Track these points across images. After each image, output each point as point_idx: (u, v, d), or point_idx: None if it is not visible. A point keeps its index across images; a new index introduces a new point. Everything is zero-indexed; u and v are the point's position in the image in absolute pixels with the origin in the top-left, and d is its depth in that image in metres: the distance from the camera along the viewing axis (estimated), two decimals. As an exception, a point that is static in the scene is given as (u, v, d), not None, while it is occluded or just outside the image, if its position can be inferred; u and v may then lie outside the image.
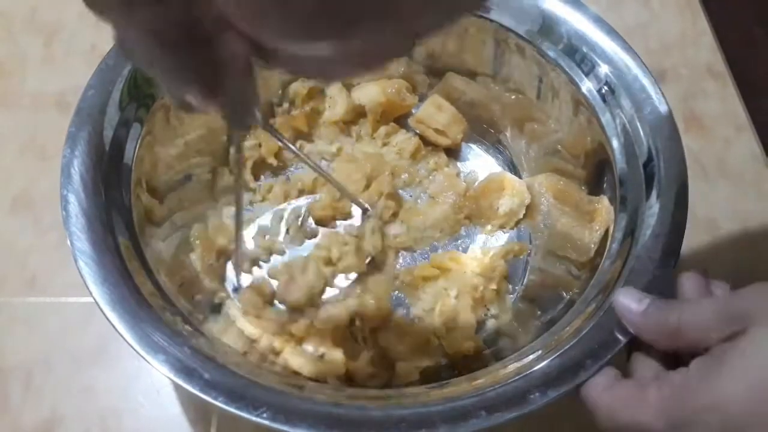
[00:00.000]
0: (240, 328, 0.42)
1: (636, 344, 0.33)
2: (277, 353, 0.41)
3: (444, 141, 0.52)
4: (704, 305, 0.31)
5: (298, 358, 0.40)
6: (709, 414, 0.27)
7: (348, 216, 0.49)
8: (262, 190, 0.50)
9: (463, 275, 0.46)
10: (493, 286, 0.46)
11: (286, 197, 0.50)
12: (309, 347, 0.42)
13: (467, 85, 0.51)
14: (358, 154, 0.51)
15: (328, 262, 0.46)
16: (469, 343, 0.43)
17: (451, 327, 0.44)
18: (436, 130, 0.51)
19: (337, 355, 0.41)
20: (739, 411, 0.27)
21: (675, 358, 0.32)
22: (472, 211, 0.50)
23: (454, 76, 0.51)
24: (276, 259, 0.47)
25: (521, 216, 0.49)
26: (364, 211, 0.48)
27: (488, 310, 0.46)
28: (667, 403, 0.29)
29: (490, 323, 0.46)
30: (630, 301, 0.33)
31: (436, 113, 0.51)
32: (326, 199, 0.48)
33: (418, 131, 0.52)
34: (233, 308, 0.44)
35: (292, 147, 0.44)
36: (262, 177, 0.51)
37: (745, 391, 0.27)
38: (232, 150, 0.34)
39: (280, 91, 0.51)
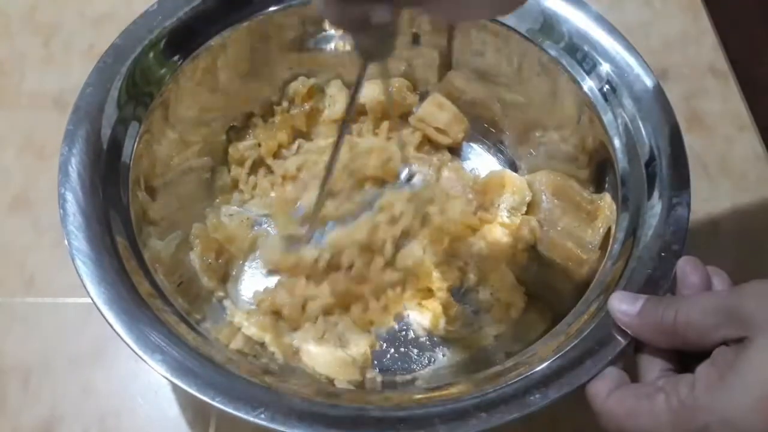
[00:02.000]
0: (246, 334, 0.42)
1: (640, 345, 0.33)
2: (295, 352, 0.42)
3: (445, 140, 0.52)
4: (700, 303, 0.30)
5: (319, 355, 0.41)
6: (720, 428, 0.27)
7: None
8: (248, 187, 0.50)
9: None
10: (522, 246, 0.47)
11: (273, 185, 0.50)
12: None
13: (468, 84, 0.51)
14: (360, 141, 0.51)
15: (392, 221, 0.45)
16: (517, 294, 0.45)
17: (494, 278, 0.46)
18: (437, 129, 0.51)
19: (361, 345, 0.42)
20: (750, 426, 0.26)
21: (681, 356, 0.32)
22: (479, 204, 0.50)
23: (455, 75, 0.51)
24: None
25: (523, 213, 0.49)
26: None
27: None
28: (676, 416, 0.28)
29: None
30: (623, 304, 0.33)
31: (437, 112, 0.51)
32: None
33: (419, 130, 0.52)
34: (237, 315, 0.43)
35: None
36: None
37: (755, 405, 0.26)
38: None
39: (279, 90, 0.51)
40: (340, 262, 0.44)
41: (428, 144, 0.52)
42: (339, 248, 0.44)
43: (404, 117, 0.53)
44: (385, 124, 0.52)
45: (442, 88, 0.52)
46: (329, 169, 0.39)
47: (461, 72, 0.51)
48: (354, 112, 0.39)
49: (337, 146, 0.38)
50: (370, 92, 0.51)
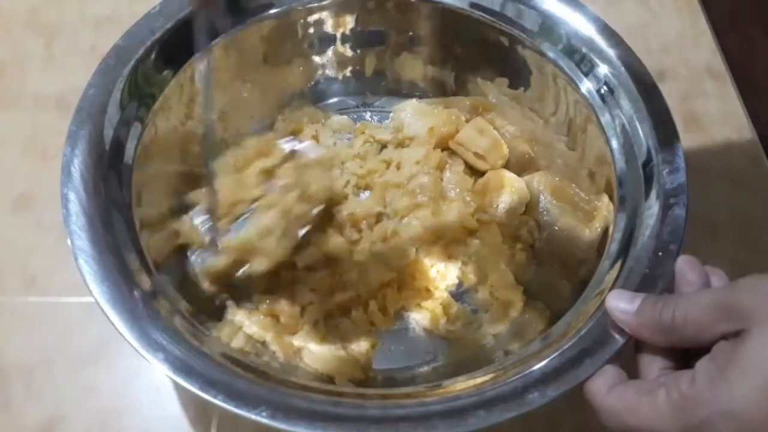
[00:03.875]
0: (248, 333, 0.42)
1: (640, 343, 0.33)
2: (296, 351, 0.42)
3: (483, 165, 0.51)
4: (698, 300, 0.31)
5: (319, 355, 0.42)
6: (722, 420, 0.27)
7: None
8: None
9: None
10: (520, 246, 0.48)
11: None
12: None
13: (517, 121, 0.51)
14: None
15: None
16: (515, 293, 0.45)
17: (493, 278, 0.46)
18: (476, 154, 0.51)
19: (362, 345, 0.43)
20: (751, 416, 0.27)
21: (682, 354, 0.32)
22: (478, 206, 0.50)
23: (508, 110, 0.51)
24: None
25: (521, 213, 0.49)
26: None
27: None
28: (678, 410, 0.28)
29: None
30: (621, 302, 0.33)
31: (477, 137, 0.51)
32: None
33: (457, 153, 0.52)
34: (239, 314, 0.44)
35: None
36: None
37: (755, 395, 0.27)
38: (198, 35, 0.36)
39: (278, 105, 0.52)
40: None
41: (466, 167, 0.52)
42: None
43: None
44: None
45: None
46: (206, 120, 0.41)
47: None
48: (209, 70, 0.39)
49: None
50: None
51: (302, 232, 0.43)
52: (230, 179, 0.43)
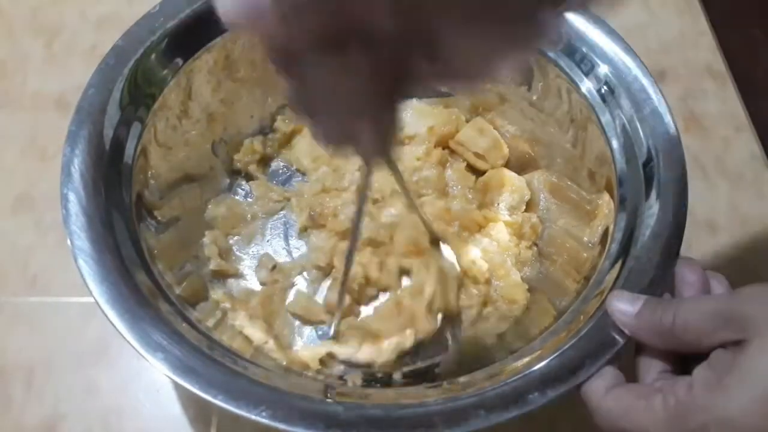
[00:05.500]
0: (248, 335, 0.42)
1: (640, 346, 0.33)
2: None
3: (483, 165, 0.51)
4: (699, 306, 0.31)
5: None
6: (717, 428, 0.27)
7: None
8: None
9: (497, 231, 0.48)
10: (526, 244, 0.48)
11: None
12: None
13: (516, 122, 0.50)
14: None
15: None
16: (519, 291, 0.45)
17: (499, 276, 0.46)
18: (476, 154, 0.51)
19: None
20: (748, 425, 0.27)
21: (681, 358, 0.32)
22: (479, 204, 0.50)
23: (508, 110, 0.50)
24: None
25: (522, 212, 0.49)
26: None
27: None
28: (674, 416, 0.29)
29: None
30: (622, 304, 0.33)
31: (477, 137, 0.51)
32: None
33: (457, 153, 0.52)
34: (239, 318, 0.43)
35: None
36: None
37: (754, 405, 0.27)
38: (360, 181, 0.35)
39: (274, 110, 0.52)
40: None
41: (466, 167, 0.52)
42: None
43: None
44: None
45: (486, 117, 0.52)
46: (347, 268, 0.40)
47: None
48: (362, 221, 0.37)
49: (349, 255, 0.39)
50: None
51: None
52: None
